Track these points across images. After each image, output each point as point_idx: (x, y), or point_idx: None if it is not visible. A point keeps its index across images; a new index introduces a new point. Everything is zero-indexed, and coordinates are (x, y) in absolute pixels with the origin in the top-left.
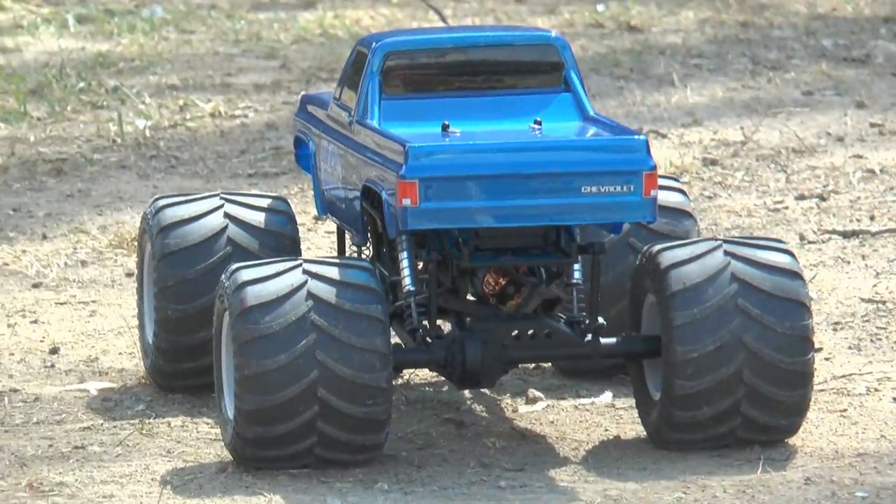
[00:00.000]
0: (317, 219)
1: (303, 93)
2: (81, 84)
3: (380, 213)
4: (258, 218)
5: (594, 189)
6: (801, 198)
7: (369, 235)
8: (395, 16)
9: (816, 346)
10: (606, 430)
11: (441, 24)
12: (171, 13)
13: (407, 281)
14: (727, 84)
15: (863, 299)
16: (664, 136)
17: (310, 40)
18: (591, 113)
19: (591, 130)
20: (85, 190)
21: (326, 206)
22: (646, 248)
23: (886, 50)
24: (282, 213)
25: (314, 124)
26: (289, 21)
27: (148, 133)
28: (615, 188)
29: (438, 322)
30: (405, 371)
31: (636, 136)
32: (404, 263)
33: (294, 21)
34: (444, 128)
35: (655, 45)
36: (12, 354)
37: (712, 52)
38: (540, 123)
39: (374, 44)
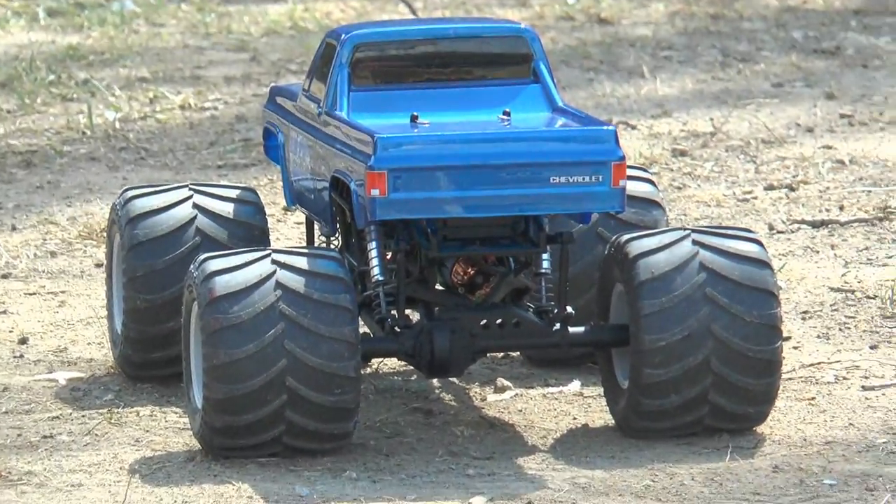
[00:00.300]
0: (286, 209)
1: (272, 84)
2: (51, 77)
3: (348, 203)
4: (227, 208)
5: (563, 179)
6: (771, 188)
7: (338, 226)
8: (366, 8)
9: (785, 334)
10: (575, 418)
11: (411, 17)
12: (142, 6)
13: (375, 271)
14: (697, 76)
15: (831, 288)
16: (634, 128)
17: (280, 33)
18: (560, 104)
19: (560, 121)
20: (54, 181)
21: (295, 197)
22: (614, 237)
23: (856, 42)
24: (250, 204)
25: (283, 116)
26: (259, 14)
27: (118, 125)
28: (584, 178)
29: (407, 312)
30: (374, 360)
31: (605, 127)
32: (373, 253)
33: (264, 14)
34: (413, 119)
35: (625, 38)
36: None
37: (682, 44)
38: (509, 114)
39: (342, 36)
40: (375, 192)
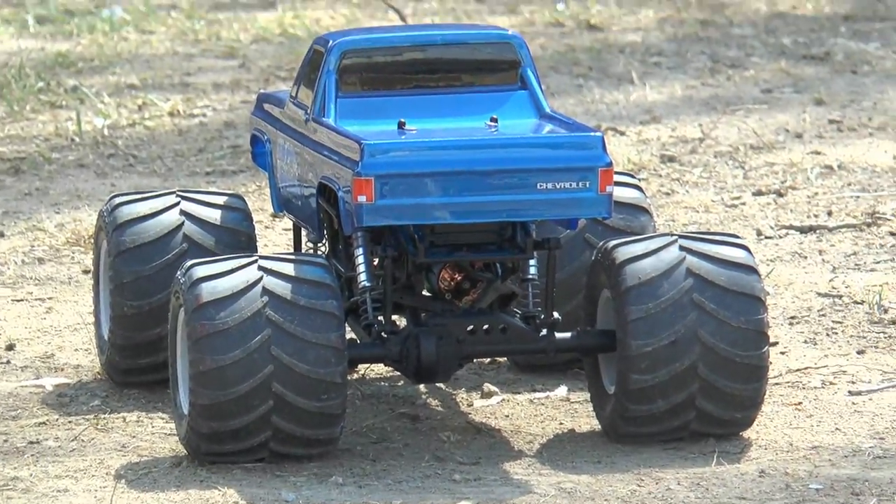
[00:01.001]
0: (273, 216)
1: (260, 91)
2: (40, 84)
3: (335, 209)
4: (214, 215)
5: (550, 185)
6: (759, 194)
7: (325, 232)
8: (355, 15)
9: (772, 340)
10: (561, 423)
11: (400, 24)
12: (131, 13)
13: (362, 277)
14: (686, 82)
15: (819, 294)
16: (622, 134)
17: (269, 40)
18: (548, 110)
19: (547, 127)
20: (43, 188)
21: (283, 204)
22: (601, 243)
23: (845, 47)
24: (238, 210)
25: (271, 122)
26: (248, 21)
27: (106, 132)
28: (571, 184)
29: (394, 318)
30: (360, 366)
31: (592, 133)
32: (360, 259)
33: (253, 21)
34: (401, 125)
35: (615, 44)
36: None
37: (672, 51)
38: (496, 121)
39: (330, 42)
40: (362, 199)
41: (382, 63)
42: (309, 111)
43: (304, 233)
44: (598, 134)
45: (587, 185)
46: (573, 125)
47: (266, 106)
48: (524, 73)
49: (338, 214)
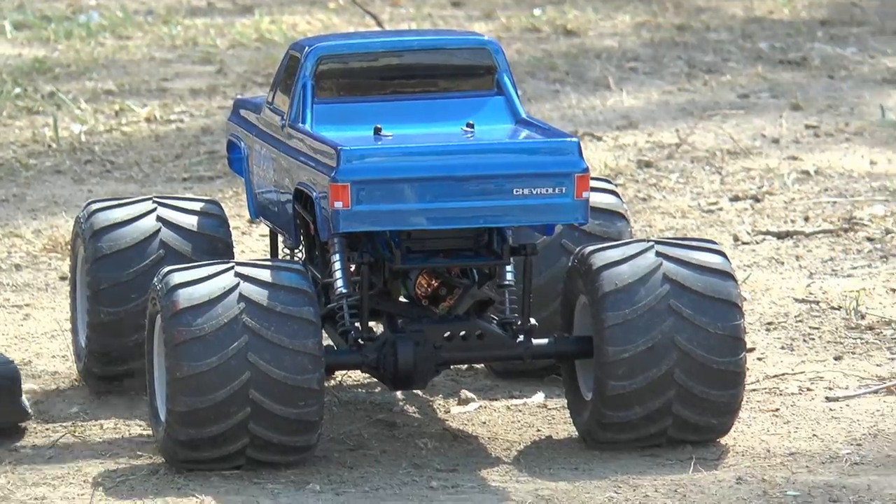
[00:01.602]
0: (250, 222)
1: (237, 96)
2: (17, 90)
3: (312, 215)
4: (191, 221)
5: (526, 191)
6: (736, 199)
7: (302, 238)
8: (332, 21)
9: (749, 346)
10: (538, 430)
11: (377, 29)
12: (108, 19)
13: (339, 283)
14: (663, 87)
15: (796, 299)
16: (599, 139)
17: (246, 45)
18: (524, 116)
19: (524, 133)
20: (20, 195)
21: (259, 210)
22: (578, 249)
23: (822, 52)
24: (214, 217)
25: (247, 128)
26: (225, 26)
27: (83, 138)
28: (547, 190)
29: (371, 324)
30: (337, 373)
31: (568, 139)
32: (336, 266)
33: (230, 26)
34: (377, 131)
35: (591, 49)
36: None
37: (648, 56)
38: (472, 126)
39: (306, 48)
40: (339, 205)
41: (358, 69)
42: (285, 117)
43: (280, 239)
44: (575, 139)
45: (563, 191)
46: (549, 131)
47: (243, 112)
48: (500, 78)
49: (314, 220)
